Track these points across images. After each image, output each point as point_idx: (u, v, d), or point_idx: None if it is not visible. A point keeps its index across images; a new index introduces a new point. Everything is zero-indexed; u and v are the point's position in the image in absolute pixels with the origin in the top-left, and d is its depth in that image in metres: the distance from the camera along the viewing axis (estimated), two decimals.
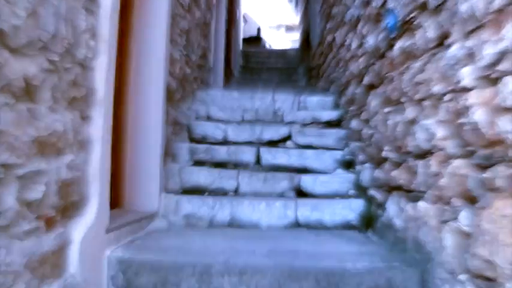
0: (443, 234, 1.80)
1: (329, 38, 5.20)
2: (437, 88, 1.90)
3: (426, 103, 2.03)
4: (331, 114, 4.20)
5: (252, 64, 10.09)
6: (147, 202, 2.85)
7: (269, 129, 3.88)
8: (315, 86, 6.56)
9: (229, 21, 7.62)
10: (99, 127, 1.91)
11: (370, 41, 3.06)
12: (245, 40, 12.80)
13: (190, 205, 2.91)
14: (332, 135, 3.86)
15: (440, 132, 1.87)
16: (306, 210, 2.94)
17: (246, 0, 13.50)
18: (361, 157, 3.27)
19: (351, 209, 2.96)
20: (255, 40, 14.28)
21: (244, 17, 13.50)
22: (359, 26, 3.46)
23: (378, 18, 2.87)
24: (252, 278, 1.93)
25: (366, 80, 3.16)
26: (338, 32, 4.54)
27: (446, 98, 1.81)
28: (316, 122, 4.18)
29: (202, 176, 3.23)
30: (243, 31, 12.24)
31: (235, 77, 8.71)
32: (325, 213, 2.94)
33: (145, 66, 2.90)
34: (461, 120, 1.64)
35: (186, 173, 3.23)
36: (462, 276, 1.62)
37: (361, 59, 3.39)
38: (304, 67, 8.98)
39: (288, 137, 3.88)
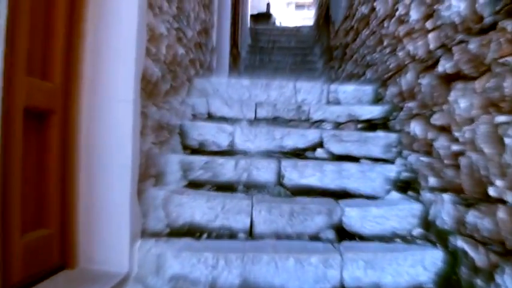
0: None
1: (363, 9, 4.10)
2: None
3: None
4: (373, 111, 3.13)
5: (262, 43, 8.94)
6: (112, 258, 1.83)
7: (293, 133, 2.83)
8: (339, 69, 5.47)
9: None
10: None
11: (458, 5, 1.98)
12: (253, 17, 11.61)
13: (179, 262, 1.88)
14: (379, 141, 2.81)
15: None
16: (357, 269, 1.90)
17: None
18: (432, 180, 2.22)
19: (424, 266, 1.93)
20: (264, 17, 13.00)
21: None
22: None
23: None
24: None
25: (445, 66, 2.09)
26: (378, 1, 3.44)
27: None
28: (353, 121, 3.13)
29: (199, 209, 2.18)
30: (251, 6, 11.05)
31: (242, 58, 7.61)
32: (385, 272, 1.91)
33: (107, 43, 1.84)
34: None
35: (175, 204, 2.18)
36: None
37: (430, 35, 2.31)
38: (321, 46, 7.86)
39: (319, 144, 2.83)
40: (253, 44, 8.89)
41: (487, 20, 1.71)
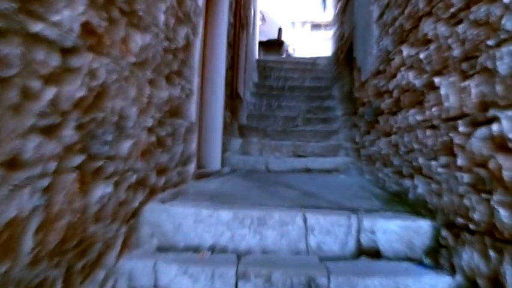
0: None
1: (411, 76, 2.75)
2: None
3: None
4: (438, 285, 1.80)
5: (271, 81, 7.57)
6: None
7: None
8: (366, 134, 4.15)
9: (236, 27, 5.20)
10: None
11: None
12: (262, 44, 10.25)
13: None
14: None
15: None
16: None
17: None
18: None
19: None
20: (275, 45, 11.58)
21: (262, 14, 10.98)
22: None
23: None
24: None
25: None
26: (444, 79, 2.11)
27: None
28: None
29: None
30: (260, 33, 9.73)
31: (246, 102, 6.30)
32: None
33: None
34: None
35: None
36: None
37: None
38: (340, 88, 6.53)
39: None
40: (260, 82, 7.55)
41: None
